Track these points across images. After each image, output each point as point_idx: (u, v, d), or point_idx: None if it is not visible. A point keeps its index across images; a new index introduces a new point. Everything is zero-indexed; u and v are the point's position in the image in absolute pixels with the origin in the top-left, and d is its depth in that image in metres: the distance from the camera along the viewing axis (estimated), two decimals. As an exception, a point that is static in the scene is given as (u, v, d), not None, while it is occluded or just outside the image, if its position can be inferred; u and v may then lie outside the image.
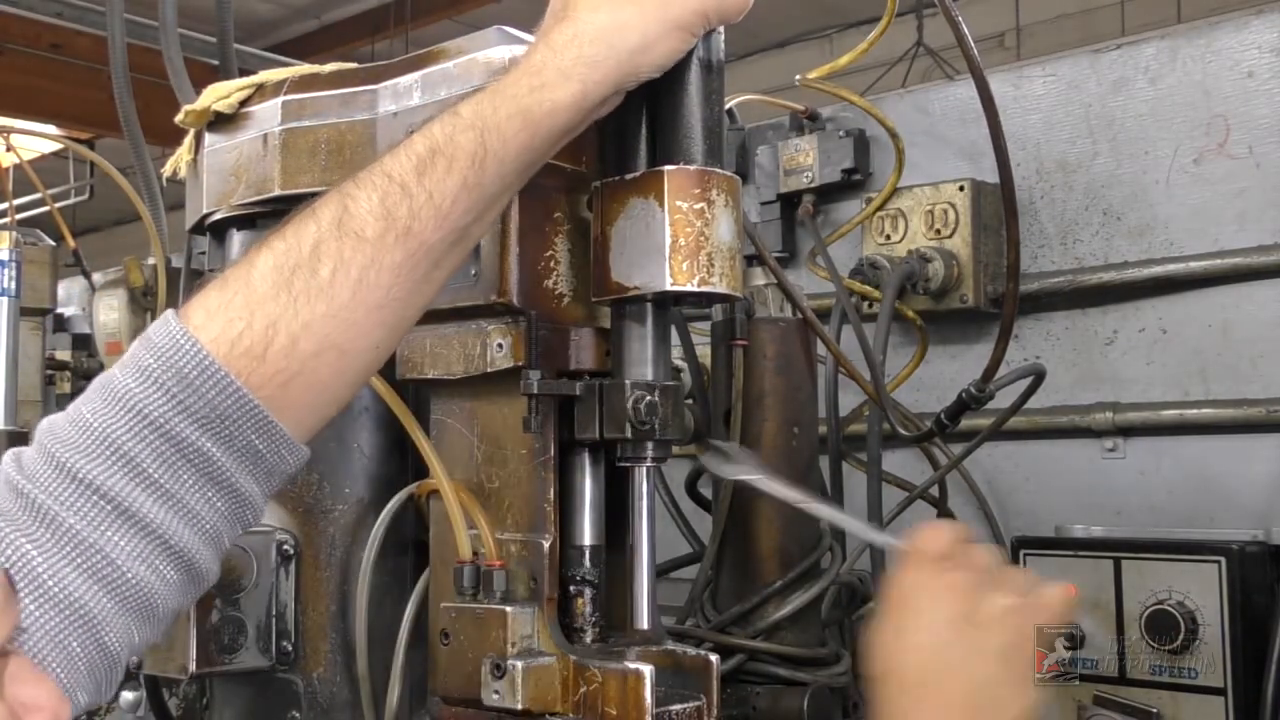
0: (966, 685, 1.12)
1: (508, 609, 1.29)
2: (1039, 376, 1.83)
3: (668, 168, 1.23)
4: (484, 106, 1.13)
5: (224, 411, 1.03)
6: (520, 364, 1.30)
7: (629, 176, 1.26)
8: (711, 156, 1.25)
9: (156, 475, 1.02)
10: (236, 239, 1.59)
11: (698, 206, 1.22)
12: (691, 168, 1.23)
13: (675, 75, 1.24)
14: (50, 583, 0.97)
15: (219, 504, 1.06)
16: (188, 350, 1.03)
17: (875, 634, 1.16)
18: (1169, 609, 1.68)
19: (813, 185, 2.27)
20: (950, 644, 1.13)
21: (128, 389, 1.02)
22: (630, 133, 1.27)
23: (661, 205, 1.22)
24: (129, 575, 1.01)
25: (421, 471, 1.43)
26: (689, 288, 1.21)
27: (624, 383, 1.27)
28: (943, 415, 1.80)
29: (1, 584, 0.80)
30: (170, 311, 1.07)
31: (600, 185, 1.30)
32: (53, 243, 3.50)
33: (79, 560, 0.99)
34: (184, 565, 1.05)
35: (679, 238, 1.21)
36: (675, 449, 1.34)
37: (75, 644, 0.98)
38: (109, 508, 1.00)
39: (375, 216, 1.08)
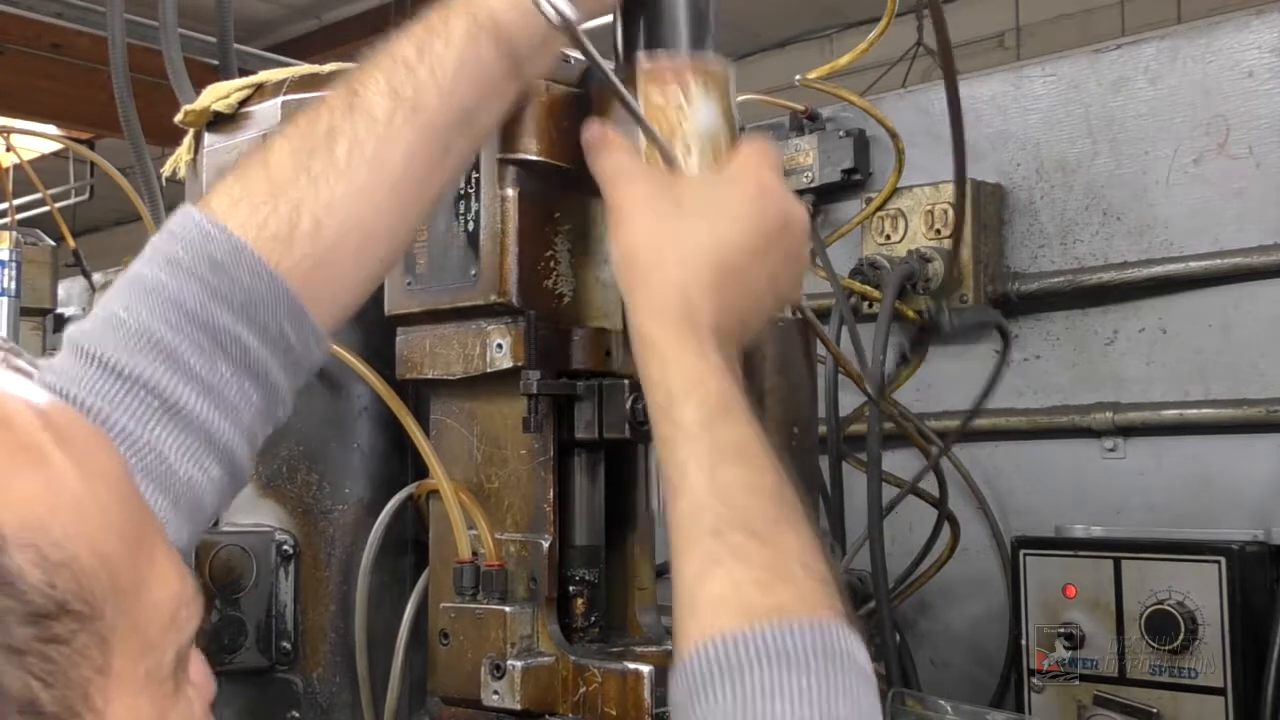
0: (686, 266, 1.07)
1: (507, 609, 1.29)
2: (1003, 333, 1.69)
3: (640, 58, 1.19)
4: None
5: (258, 297, 1.02)
6: (520, 364, 1.30)
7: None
8: (696, 44, 1.21)
9: (197, 368, 0.99)
10: (236, 239, 1.59)
11: (672, 94, 1.17)
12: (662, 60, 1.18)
13: None
14: None
15: (254, 397, 1.04)
16: (217, 237, 1.01)
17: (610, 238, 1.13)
18: (1169, 609, 1.68)
19: (813, 185, 2.27)
20: (661, 230, 1.09)
21: (160, 282, 1.00)
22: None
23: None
24: (180, 473, 0.98)
25: (421, 471, 1.43)
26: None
27: (624, 383, 1.27)
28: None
29: (187, 568, 0.77)
30: (186, 205, 1.05)
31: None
32: (53, 243, 3.50)
33: (134, 460, 0.95)
34: (227, 462, 1.03)
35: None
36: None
37: None
38: (156, 403, 0.97)
39: (383, 96, 1.08)
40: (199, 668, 0.79)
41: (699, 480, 0.98)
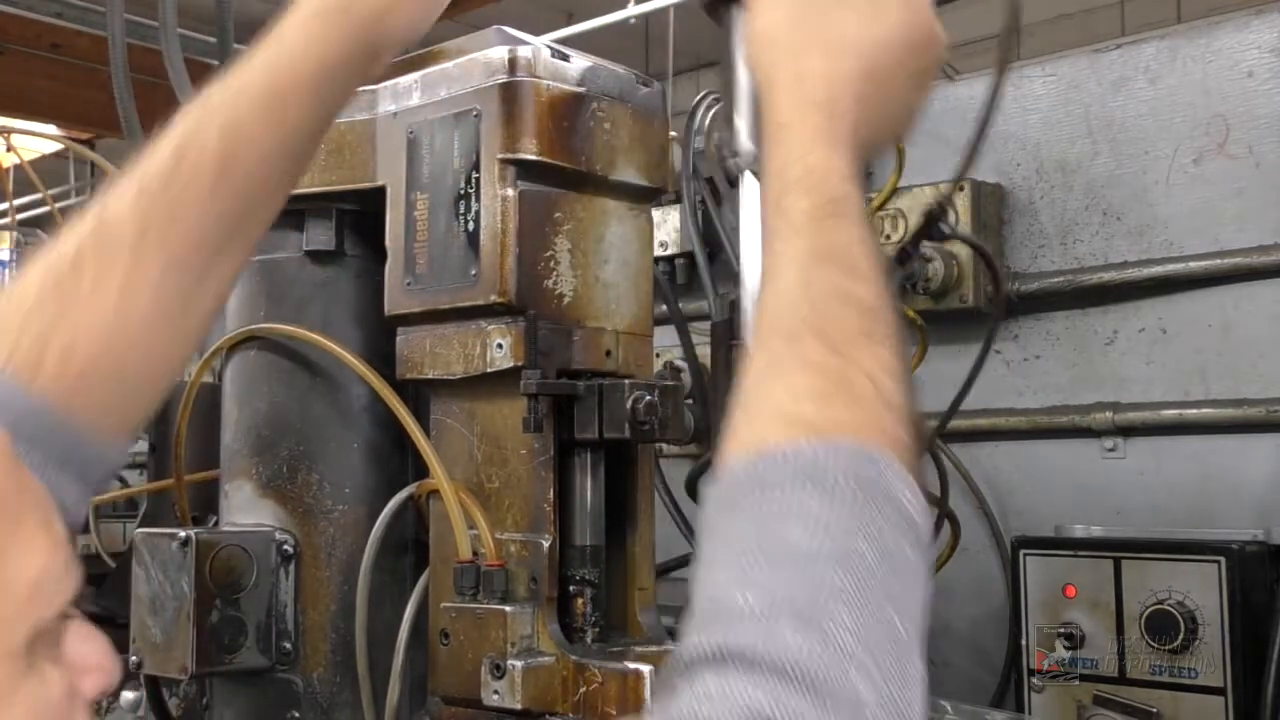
0: (838, 54, 0.98)
1: (507, 609, 1.29)
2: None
3: None
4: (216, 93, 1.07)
5: (12, 424, 0.95)
6: (520, 364, 1.30)
7: None
8: None
9: None
10: (236, 239, 1.58)
11: None
12: None
13: None
14: None
15: None
16: None
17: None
18: (1169, 609, 1.68)
19: (813, 185, 2.27)
20: (810, 12, 0.99)
21: None
22: None
23: None
24: None
25: (421, 471, 1.43)
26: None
27: (624, 383, 1.27)
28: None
29: (63, 542, 0.76)
30: None
31: None
32: (53, 243, 3.49)
33: None
34: None
35: None
36: (676, 449, 1.34)
37: None
38: None
39: (131, 224, 1.02)
40: (96, 649, 0.75)
41: (789, 276, 0.91)
